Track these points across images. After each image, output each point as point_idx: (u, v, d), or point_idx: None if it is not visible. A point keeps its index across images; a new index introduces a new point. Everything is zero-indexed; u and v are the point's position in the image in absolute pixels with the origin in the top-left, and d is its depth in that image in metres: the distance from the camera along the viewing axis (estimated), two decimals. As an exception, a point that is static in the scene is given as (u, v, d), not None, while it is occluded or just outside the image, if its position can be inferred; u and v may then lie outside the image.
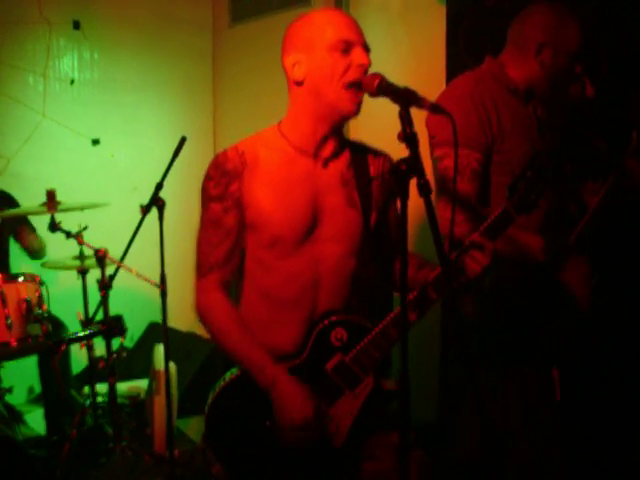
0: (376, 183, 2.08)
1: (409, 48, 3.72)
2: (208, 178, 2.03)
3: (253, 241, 2.03)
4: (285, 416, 1.92)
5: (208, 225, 2.03)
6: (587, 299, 2.45)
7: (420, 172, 1.55)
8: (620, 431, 2.84)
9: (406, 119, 1.61)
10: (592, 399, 2.83)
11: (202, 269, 2.04)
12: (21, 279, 3.18)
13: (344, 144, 2.07)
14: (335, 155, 2.04)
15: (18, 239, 3.96)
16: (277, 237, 1.99)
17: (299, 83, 1.97)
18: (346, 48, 1.91)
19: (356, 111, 1.95)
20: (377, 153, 2.14)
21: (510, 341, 2.41)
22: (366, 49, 1.94)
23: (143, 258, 3.27)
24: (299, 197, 1.99)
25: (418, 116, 1.71)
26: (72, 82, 4.70)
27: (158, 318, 3.02)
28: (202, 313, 2.05)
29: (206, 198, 2.04)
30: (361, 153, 2.10)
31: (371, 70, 1.91)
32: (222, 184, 2.00)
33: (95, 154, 4.77)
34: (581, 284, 2.43)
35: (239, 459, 1.99)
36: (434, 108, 1.65)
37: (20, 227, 3.91)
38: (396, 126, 1.62)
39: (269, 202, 1.98)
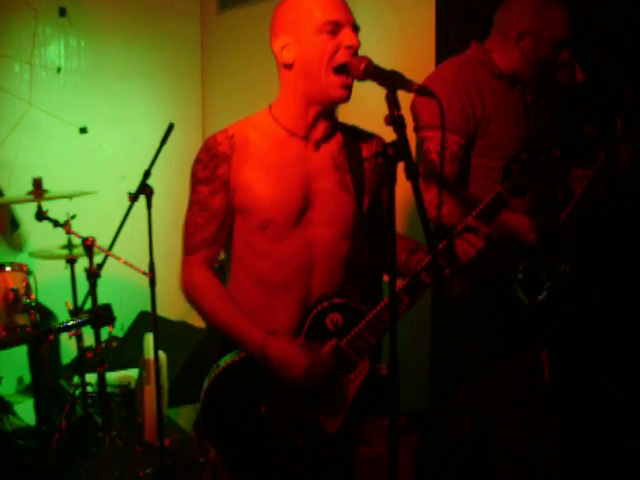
0: (368, 166, 2.07)
1: (399, 33, 3.70)
2: (197, 161, 2.02)
3: (243, 225, 2.02)
4: (289, 366, 1.91)
5: (195, 207, 2.03)
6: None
7: (407, 156, 1.55)
8: (611, 413, 2.86)
9: (393, 102, 1.59)
10: (581, 381, 2.84)
11: (188, 248, 2.05)
12: (8, 268, 3.16)
13: (336, 127, 2.06)
14: (327, 137, 2.02)
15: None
16: (268, 220, 1.97)
17: (288, 66, 1.95)
18: (334, 29, 1.88)
19: (346, 96, 1.93)
20: (369, 136, 2.13)
21: (497, 322, 2.41)
22: (355, 29, 1.92)
23: (132, 246, 3.26)
24: (290, 180, 1.97)
25: (405, 100, 1.70)
26: (59, 70, 4.66)
27: (148, 307, 3.00)
28: (188, 289, 2.05)
29: (194, 181, 2.03)
30: (353, 136, 2.09)
31: (361, 53, 1.90)
32: (210, 167, 1.98)
33: (83, 142, 4.74)
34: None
35: (234, 445, 1.98)
36: (421, 90, 1.64)
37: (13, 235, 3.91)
38: (384, 110, 1.61)
39: (260, 185, 1.97)
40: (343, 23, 1.89)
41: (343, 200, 2.02)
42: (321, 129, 2.00)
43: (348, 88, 1.92)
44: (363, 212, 2.05)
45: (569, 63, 2.50)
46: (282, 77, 2.00)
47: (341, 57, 1.88)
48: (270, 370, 1.92)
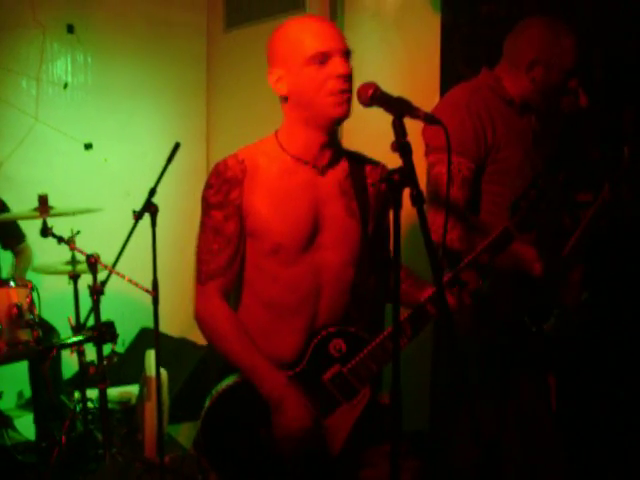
0: (373, 192, 2.08)
1: (404, 55, 3.73)
2: (208, 186, 2.02)
3: (254, 249, 2.03)
4: (282, 424, 1.91)
5: (209, 232, 2.02)
6: (575, 295, 2.45)
7: (413, 182, 1.55)
8: (618, 438, 2.85)
9: (399, 129, 1.60)
10: (589, 408, 2.83)
11: (202, 276, 2.03)
12: (12, 284, 3.16)
13: (341, 153, 2.08)
14: (333, 164, 2.04)
15: (14, 252, 3.96)
16: (278, 245, 1.98)
17: (284, 98, 1.98)
18: (322, 59, 1.89)
19: (346, 112, 1.93)
20: (374, 163, 2.15)
21: (506, 347, 2.41)
22: (346, 55, 1.93)
23: (135, 263, 3.26)
24: (299, 206, 1.98)
25: (413, 126, 1.71)
26: (65, 86, 4.68)
27: (150, 323, 3.01)
28: (202, 320, 2.04)
29: (206, 206, 2.02)
30: (359, 163, 2.11)
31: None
32: (222, 191, 1.99)
33: (88, 158, 4.75)
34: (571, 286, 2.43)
35: (234, 466, 1.98)
36: (428, 118, 1.65)
37: (18, 247, 3.92)
38: (389, 135, 1.62)
39: (270, 211, 1.98)
40: (332, 52, 1.90)
41: (350, 226, 2.03)
42: (327, 155, 2.02)
43: (346, 104, 1.92)
44: (368, 238, 2.06)
45: (575, 89, 2.52)
46: (282, 107, 2.02)
47: (334, 85, 1.89)
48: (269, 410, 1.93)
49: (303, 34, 1.92)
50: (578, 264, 2.44)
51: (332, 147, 2.03)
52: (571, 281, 2.45)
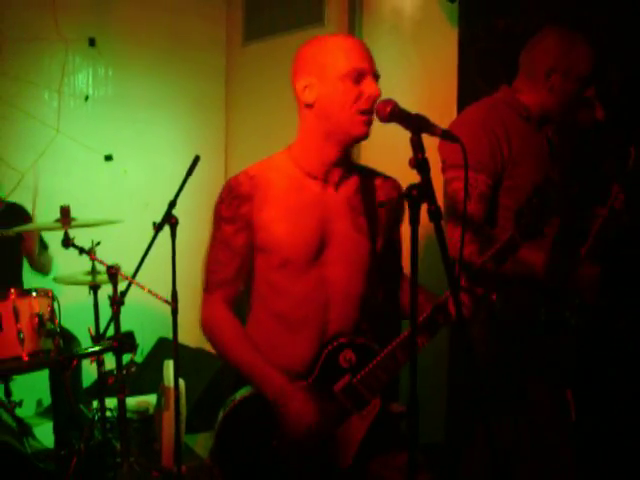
0: (383, 208, 2.12)
1: (421, 70, 3.75)
2: (220, 201, 2.08)
3: (264, 263, 2.07)
4: (288, 422, 1.95)
5: (218, 245, 2.09)
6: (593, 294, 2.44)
7: (431, 198, 1.57)
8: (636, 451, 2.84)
9: (418, 145, 1.63)
10: (607, 420, 2.82)
11: (209, 286, 2.11)
12: (34, 294, 3.19)
13: (352, 169, 2.11)
14: (343, 180, 2.08)
15: (23, 251, 3.99)
16: (287, 259, 2.02)
17: (309, 105, 2.01)
18: (358, 78, 1.94)
19: (367, 133, 1.99)
20: (385, 178, 2.18)
21: (521, 361, 2.42)
22: (376, 77, 1.98)
23: (153, 273, 3.29)
24: (308, 221, 2.02)
25: (430, 141, 1.74)
26: (86, 98, 4.75)
27: (168, 333, 3.03)
28: (207, 327, 2.10)
29: (218, 219, 2.09)
30: (369, 178, 2.14)
31: (383, 92, 1.95)
32: (233, 206, 2.04)
33: (108, 170, 4.82)
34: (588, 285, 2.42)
35: (247, 478, 2.01)
36: (445, 134, 1.67)
37: (28, 240, 3.94)
38: (407, 150, 1.65)
39: (279, 226, 2.02)
40: (366, 72, 1.96)
41: (357, 241, 2.07)
42: (338, 172, 2.06)
43: (369, 125, 1.97)
44: (377, 253, 2.10)
45: (591, 101, 2.53)
46: (302, 116, 2.05)
47: (363, 104, 1.95)
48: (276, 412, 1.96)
49: (342, 49, 1.97)
50: (595, 265, 2.43)
51: (344, 164, 2.06)
52: (588, 281, 2.44)
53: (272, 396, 1.97)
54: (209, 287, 2.11)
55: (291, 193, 2.04)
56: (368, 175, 2.15)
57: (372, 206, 2.10)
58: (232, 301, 2.11)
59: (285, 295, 2.05)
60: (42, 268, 4.00)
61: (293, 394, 1.96)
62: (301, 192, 2.04)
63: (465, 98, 3.30)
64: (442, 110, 3.30)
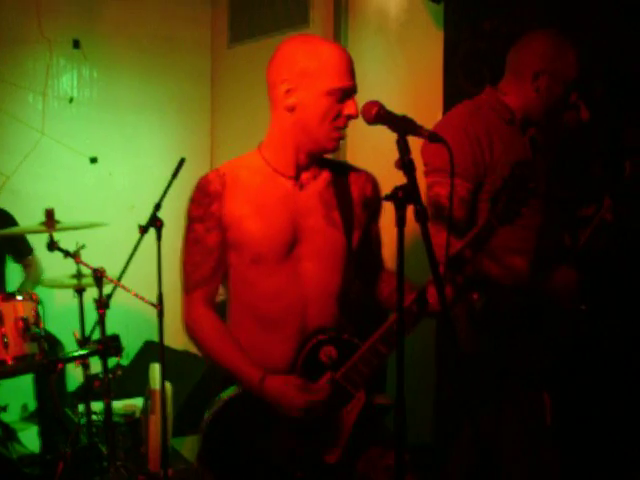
0: (358, 202, 2.12)
1: (407, 72, 3.76)
2: (191, 201, 2.09)
3: (236, 260, 2.07)
4: (286, 406, 1.94)
5: (191, 245, 2.09)
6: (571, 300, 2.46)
7: (417, 199, 1.58)
8: (614, 452, 2.85)
9: (403, 147, 1.64)
10: (584, 424, 2.84)
11: (187, 286, 2.11)
12: (19, 297, 3.18)
13: (323, 165, 2.11)
14: (315, 176, 2.09)
15: (24, 267, 3.99)
16: (258, 255, 2.02)
17: (289, 109, 2.00)
18: (342, 97, 1.96)
19: (337, 147, 2.04)
20: (358, 172, 2.18)
21: (501, 363, 2.42)
22: (355, 94, 2.00)
23: (138, 276, 3.28)
24: (278, 217, 2.03)
25: (414, 143, 1.74)
26: (71, 100, 4.73)
27: (153, 336, 3.02)
28: (190, 328, 2.11)
29: (189, 220, 2.10)
30: (341, 173, 2.14)
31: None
32: (203, 205, 2.05)
33: (93, 172, 4.80)
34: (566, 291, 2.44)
35: (235, 476, 2.01)
36: (431, 137, 1.68)
37: (26, 260, 3.94)
38: (393, 151, 1.65)
39: (250, 221, 2.02)
40: (350, 91, 1.98)
41: (331, 235, 2.07)
42: (309, 170, 2.08)
43: (340, 141, 2.03)
44: (352, 247, 2.09)
45: (576, 102, 2.54)
46: (276, 115, 2.05)
47: (340, 122, 1.99)
48: (268, 406, 1.96)
49: (333, 63, 1.96)
50: (571, 270, 2.45)
51: (314, 163, 2.08)
52: (565, 286, 2.45)
53: (255, 389, 1.97)
54: (188, 288, 2.11)
55: (262, 189, 2.05)
56: (340, 169, 2.15)
57: (346, 200, 2.10)
58: (212, 300, 2.11)
59: (258, 291, 2.05)
60: (37, 283, 3.98)
61: (272, 381, 1.96)
62: (272, 189, 2.05)
63: (450, 99, 3.31)
64: (427, 111, 3.31)
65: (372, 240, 2.20)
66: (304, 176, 2.07)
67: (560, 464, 2.50)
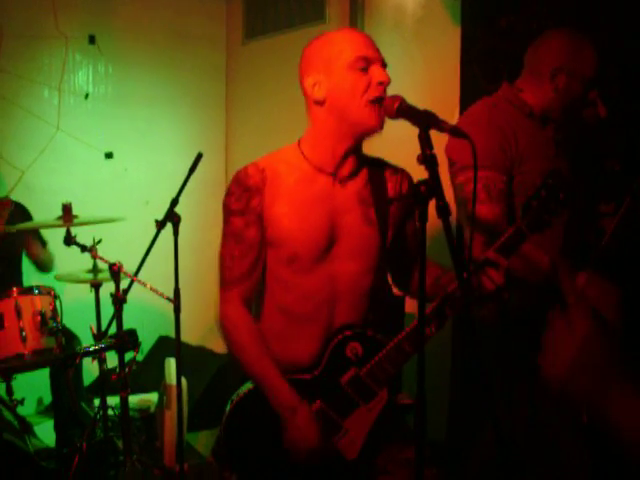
0: (394, 200, 2.10)
1: (423, 67, 3.75)
2: (229, 193, 2.06)
3: (272, 257, 2.06)
4: (289, 441, 1.96)
5: (230, 239, 2.06)
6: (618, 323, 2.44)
7: (439, 194, 1.57)
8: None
9: (426, 141, 1.62)
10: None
11: (226, 282, 2.08)
12: (36, 292, 3.20)
13: (362, 161, 2.09)
14: (353, 174, 2.06)
15: (26, 250, 3.98)
16: (295, 254, 2.01)
17: (320, 102, 1.99)
18: (365, 66, 1.93)
19: (380, 126, 1.96)
20: (395, 170, 2.16)
21: (534, 360, 2.41)
22: (384, 66, 1.97)
23: (154, 271, 3.28)
24: (317, 216, 2.01)
25: (436, 138, 1.73)
26: (86, 96, 4.74)
27: (168, 331, 3.03)
28: (224, 325, 2.08)
29: (227, 213, 2.07)
30: (379, 170, 2.12)
31: (387, 89, 1.94)
32: (243, 199, 2.03)
33: (108, 167, 4.81)
34: (611, 311, 2.42)
35: (255, 470, 2.02)
36: (454, 131, 1.67)
37: (29, 238, 3.93)
38: (414, 146, 1.64)
39: (288, 220, 2.01)
40: (373, 60, 1.94)
41: (367, 234, 2.05)
42: (348, 166, 2.04)
43: (382, 118, 1.94)
44: (386, 245, 2.08)
45: (594, 99, 2.53)
46: (313, 114, 2.03)
47: (374, 92, 1.92)
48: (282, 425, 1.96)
49: (346, 41, 1.96)
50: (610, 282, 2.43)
51: (354, 157, 2.05)
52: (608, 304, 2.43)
53: (280, 410, 1.97)
54: (226, 284, 2.08)
55: (300, 187, 2.03)
56: (378, 166, 2.13)
57: (382, 198, 2.08)
58: (249, 298, 2.09)
59: (291, 290, 2.05)
60: (45, 267, 3.99)
61: (298, 416, 1.95)
62: (310, 186, 2.03)
63: (467, 96, 3.30)
64: (444, 108, 3.26)
65: (409, 237, 2.18)
66: (343, 172, 2.04)
67: (591, 464, 2.49)
